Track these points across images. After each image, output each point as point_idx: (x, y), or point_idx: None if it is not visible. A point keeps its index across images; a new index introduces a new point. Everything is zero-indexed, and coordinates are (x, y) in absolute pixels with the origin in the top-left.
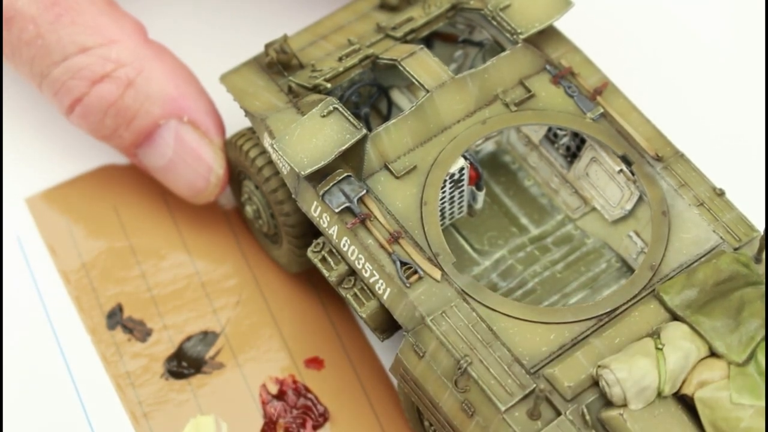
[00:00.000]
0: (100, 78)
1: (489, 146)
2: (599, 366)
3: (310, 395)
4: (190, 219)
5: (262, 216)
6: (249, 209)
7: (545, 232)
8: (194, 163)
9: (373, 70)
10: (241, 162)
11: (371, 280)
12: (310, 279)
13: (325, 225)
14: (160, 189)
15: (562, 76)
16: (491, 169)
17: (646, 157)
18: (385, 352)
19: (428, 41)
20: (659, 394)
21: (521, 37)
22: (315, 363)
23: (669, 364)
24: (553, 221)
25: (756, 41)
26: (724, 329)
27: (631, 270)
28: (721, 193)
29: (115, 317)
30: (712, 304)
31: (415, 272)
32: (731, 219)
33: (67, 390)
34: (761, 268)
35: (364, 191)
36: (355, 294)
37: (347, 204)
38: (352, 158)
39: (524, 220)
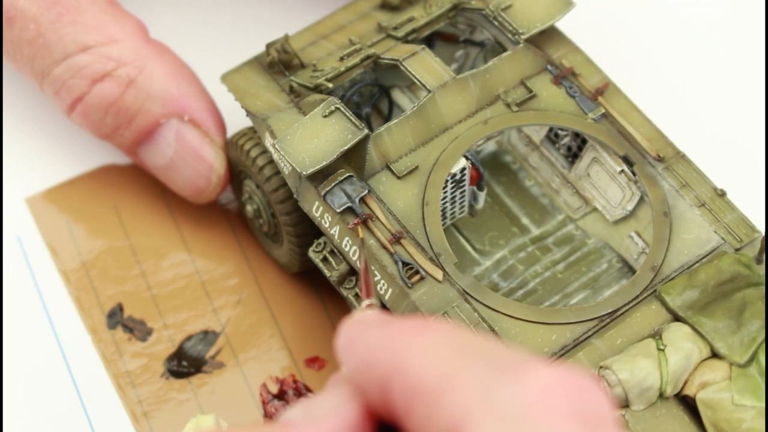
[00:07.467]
0: (101, 77)
1: (490, 146)
2: (601, 367)
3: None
4: (190, 218)
5: (262, 215)
6: (249, 208)
7: (546, 232)
8: (195, 163)
9: (375, 70)
10: (242, 161)
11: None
12: (310, 279)
13: (326, 225)
14: (160, 188)
15: (563, 77)
16: (492, 169)
17: (647, 158)
18: None
19: (429, 41)
20: (661, 395)
21: (523, 37)
22: (315, 362)
23: (671, 365)
24: (554, 221)
25: (756, 41)
26: (725, 330)
27: (632, 270)
28: (722, 194)
29: (116, 317)
30: (713, 305)
31: (417, 273)
32: (732, 220)
33: (67, 390)
34: (762, 269)
35: (366, 191)
36: (357, 294)
37: (349, 204)
38: (353, 158)
39: (525, 221)
